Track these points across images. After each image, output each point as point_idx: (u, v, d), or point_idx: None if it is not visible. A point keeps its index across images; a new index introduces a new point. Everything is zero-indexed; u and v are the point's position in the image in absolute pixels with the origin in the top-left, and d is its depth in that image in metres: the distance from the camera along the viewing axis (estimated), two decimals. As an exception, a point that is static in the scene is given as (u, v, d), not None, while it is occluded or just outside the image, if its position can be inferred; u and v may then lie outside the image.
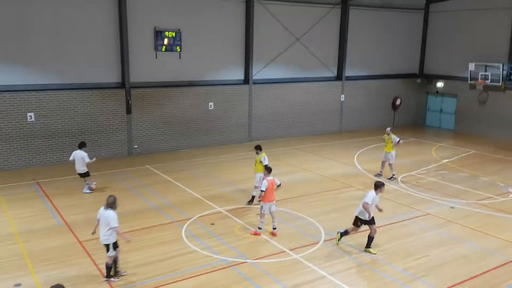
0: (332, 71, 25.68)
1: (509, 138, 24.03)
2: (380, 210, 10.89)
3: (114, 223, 8.82)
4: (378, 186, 10.56)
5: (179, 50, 20.21)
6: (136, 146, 20.05)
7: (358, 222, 10.58)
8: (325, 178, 16.63)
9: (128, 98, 19.40)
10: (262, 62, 23.03)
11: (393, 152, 16.31)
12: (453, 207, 13.67)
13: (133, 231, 11.67)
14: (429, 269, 9.77)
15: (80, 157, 14.41)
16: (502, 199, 14.44)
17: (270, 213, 11.33)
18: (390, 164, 16.39)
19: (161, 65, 20.25)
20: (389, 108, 28.01)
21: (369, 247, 10.60)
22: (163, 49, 19.86)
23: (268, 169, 11.53)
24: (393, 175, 16.43)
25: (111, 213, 8.90)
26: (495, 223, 12.45)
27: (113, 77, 19.42)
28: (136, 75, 19.74)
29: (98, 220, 9.07)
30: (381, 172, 16.78)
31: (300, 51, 24.09)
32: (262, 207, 11.24)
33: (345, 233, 10.86)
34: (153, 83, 20.26)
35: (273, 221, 11.41)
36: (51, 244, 10.82)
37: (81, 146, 14.69)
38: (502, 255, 10.43)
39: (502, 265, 9.95)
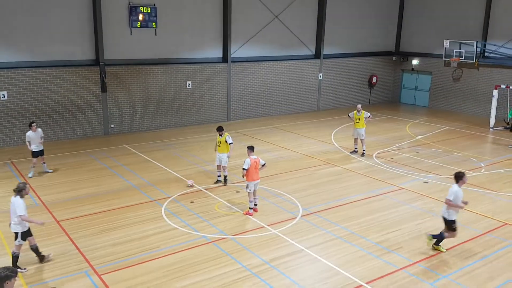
0: (310, 49, 25.68)
1: (481, 114, 24.68)
2: (465, 203, 9.30)
3: (20, 211, 8.40)
4: (459, 176, 8.94)
5: (154, 26, 19.84)
6: (112, 125, 19.80)
7: (448, 224, 9.25)
8: (303, 156, 16.84)
9: (103, 75, 19.05)
10: (240, 39, 22.85)
11: (364, 128, 16.58)
12: (426, 182, 14.08)
13: (113, 210, 11.66)
14: (402, 242, 10.11)
15: (36, 136, 13.89)
16: (475, 174, 14.93)
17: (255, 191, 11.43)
18: (362, 140, 16.70)
19: (136, 42, 19.87)
20: (366, 86, 28.32)
21: (439, 245, 9.59)
22: (138, 25, 19.46)
23: (250, 148, 11.51)
24: (364, 150, 16.77)
25: (17, 200, 8.47)
26: (468, 197, 12.78)
27: (87, 54, 18.99)
28: (111, 52, 19.35)
29: None
30: (356, 148, 17.08)
31: (279, 29, 23.97)
32: (247, 186, 11.30)
33: (439, 237, 9.48)
34: (128, 60, 19.90)
35: (254, 198, 11.53)
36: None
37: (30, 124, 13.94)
38: (474, 229, 10.85)
39: (474, 237, 10.35)
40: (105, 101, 19.38)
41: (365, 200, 12.56)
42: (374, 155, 16.90)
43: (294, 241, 10.00)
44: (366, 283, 8.40)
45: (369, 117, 16.61)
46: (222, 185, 13.52)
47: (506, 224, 11.09)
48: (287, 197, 12.66)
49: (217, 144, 13.44)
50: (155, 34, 20.05)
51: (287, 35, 24.46)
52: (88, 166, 15.24)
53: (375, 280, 8.51)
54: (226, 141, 13.30)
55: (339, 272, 8.78)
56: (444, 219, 9.38)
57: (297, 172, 14.87)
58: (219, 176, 13.72)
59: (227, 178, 13.69)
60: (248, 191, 11.27)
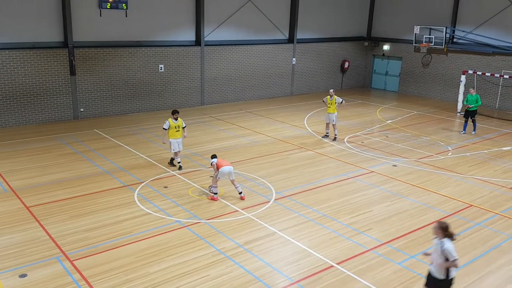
0: (284, 33, 25.65)
1: (450, 99, 25.36)
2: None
3: None
4: (446, 230, 6.71)
5: (125, 7, 19.29)
6: (82, 109, 19.37)
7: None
8: (277, 140, 16.97)
9: (72, 58, 18.53)
10: (214, 23, 22.59)
11: (336, 113, 16.79)
12: (395, 165, 14.45)
13: (84, 195, 11.50)
14: (372, 223, 10.41)
15: None
16: (442, 157, 15.41)
17: (230, 181, 11.42)
18: (333, 125, 16.93)
19: (106, 23, 19.37)
20: (338, 71, 28.58)
21: None
22: (108, 6, 18.88)
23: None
24: (336, 135, 17.03)
25: None
26: (435, 180, 13.33)
27: (55, 36, 18.40)
28: (80, 34, 18.81)
29: None
30: (327, 133, 17.32)
31: (252, 12, 23.79)
32: (217, 175, 11.21)
33: None
34: (98, 42, 19.41)
35: (235, 187, 11.47)
36: (-4, 211, 10.49)
37: None
38: (440, 210, 11.25)
39: (441, 219, 10.71)
40: (74, 84, 18.90)
41: (336, 183, 12.81)
42: (345, 139, 17.18)
43: (267, 224, 10.14)
44: (337, 263, 8.64)
45: (341, 102, 16.78)
46: (201, 168, 13.51)
47: (472, 205, 11.54)
48: (261, 181, 12.77)
49: (175, 129, 13.22)
50: (126, 16, 19.57)
51: (260, 19, 24.33)
52: (57, 151, 14.92)
53: (345, 260, 8.75)
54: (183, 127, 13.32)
55: (311, 253, 8.98)
56: (439, 281, 6.71)
57: (271, 157, 14.98)
58: (179, 162, 13.56)
59: (173, 161, 13.71)
60: (217, 177, 11.25)
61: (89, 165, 13.76)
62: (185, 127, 13.53)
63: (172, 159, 13.79)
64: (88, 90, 19.39)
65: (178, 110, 13.64)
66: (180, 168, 13.51)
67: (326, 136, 17.30)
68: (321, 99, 25.09)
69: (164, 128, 13.21)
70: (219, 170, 11.14)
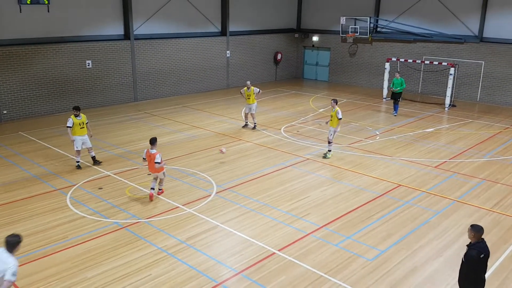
0: (216, 26, 25.52)
1: (376, 86, 26.63)
2: None
3: None
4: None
5: (46, 2, 18.21)
6: (5, 112, 18.12)
7: None
8: (215, 134, 16.94)
9: (-11, 57, 17.25)
10: (143, 15, 21.98)
11: (255, 104, 17.35)
12: (330, 151, 14.97)
13: (13, 202, 10.84)
14: (310, 208, 10.76)
15: None
16: (371, 142, 16.19)
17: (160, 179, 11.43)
18: (252, 114, 17.39)
19: (27, 19, 18.21)
20: (272, 63, 28.98)
21: None
22: (28, 1, 17.72)
23: (152, 141, 11.11)
24: (255, 124, 17.54)
25: None
26: (365, 163, 14.00)
27: (-32, 34, 17.04)
28: (-2, 32, 17.56)
29: None
30: (247, 122, 17.83)
31: (183, 5, 23.44)
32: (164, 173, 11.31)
33: None
34: (19, 40, 18.22)
35: (159, 186, 11.44)
36: None
37: None
38: (372, 191, 11.85)
39: (373, 199, 11.33)
40: (-7, 85, 17.64)
41: (275, 172, 13.07)
42: (282, 129, 17.52)
43: (209, 218, 10.15)
44: (279, 250, 8.85)
45: (258, 92, 17.28)
46: (137, 167, 13.17)
47: (400, 185, 12.26)
48: (201, 175, 12.72)
49: (79, 126, 12.83)
50: (48, 11, 18.49)
51: (192, 11, 24.02)
52: (-22, 158, 13.88)
53: (286, 246, 8.99)
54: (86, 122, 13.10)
55: (253, 243, 9.13)
56: None
57: (210, 150, 14.95)
58: (78, 162, 13.14)
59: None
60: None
61: (15, 170, 12.95)
62: (87, 123, 13.15)
63: (94, 158, 13.35)
64: (11, 91, 18.16)
65: (79, 106, 13.28)
66: (78, 167, 13.06)
67: (246, 125, 17.78)
68: (240, 91, 25.40)
69: (68, 126, 12.80)
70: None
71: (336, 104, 14.18)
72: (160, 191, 11.41)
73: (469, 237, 6.27)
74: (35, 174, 12.63)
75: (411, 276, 8.12)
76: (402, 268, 8.37)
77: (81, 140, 12.88)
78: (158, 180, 11.26)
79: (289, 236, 9.43)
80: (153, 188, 11.07)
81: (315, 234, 9.54)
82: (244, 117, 17.98)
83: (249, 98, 17.16)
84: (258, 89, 17.42)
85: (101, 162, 13.49)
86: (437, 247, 9.12)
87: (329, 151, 14.44)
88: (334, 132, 14.17)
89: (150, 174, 11.32)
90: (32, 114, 18.90)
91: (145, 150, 11.07)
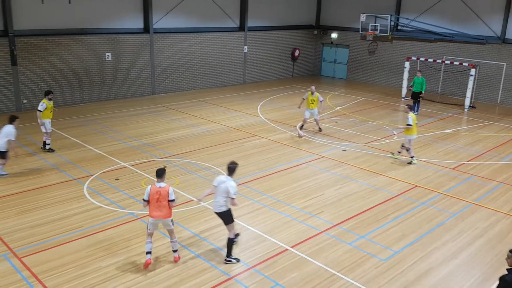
0: (235, 21, 25.52)
1: (395, 85, 26.33)
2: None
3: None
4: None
5: (68, -6, 18.53)
6: (25, 101, 18.45)
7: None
8: (231, 129, 16.97)
9: (13, 47, 17.55)
10: (162, 9, 22.10)
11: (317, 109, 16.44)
12: (345, 150, 14.89)
13: (30, 190, 11.04)
14: (324, 206, 10.71)
15: (5, 133, 11.68)
16: (388, 141, 16.04)
17: (167, 230, 8.33)
18: (316, 120, 16.66)
19: (48, 10, 18.47)
20: (289, 59, 28.87)
21: None
22: (50, -7, 18.06)
23: (158, 173, 7.97)
24: (320, 127, 16.80)
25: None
26: (382, 162, 13.87)
27: (-8, 24, 17.36)
28: (21, 22, 17.83)
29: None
30: (302, 128, 16.61)
31: (201, -1, 23.51)
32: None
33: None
34: (40, 30, 18.49)
35: (171, 241, 8.35)
36: None
37: (11, 120, 11.93)
38: (387, 191, 11.74)
39: (388, 199, 11.23)
40: (16, 75, 17.94)
41: (289, 169, 13.04)
42: (298, 126, 17.46)
43: (222, 212, 10.17)
44: (291, 247, 8.84)
45: (322, 101, 16.45)
46: (153, 159, 13.29)
47: (417, 186, 12.12)
48: (216, 170, 12.76)
49: (50, 110, 13.67)
50: (69, 2, 18.72)
51: (211, 6, 24.05)
52: None
53: (299, 243, 8.98)
54: (54, 108, 13.95)
55: (266, 238, 9.14)
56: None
57: (226, 145, 14.99)
58: (49, 144, 13.88)
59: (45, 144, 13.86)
60: (148, 230, 8.11)
61: (34, 159, 13.19)
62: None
63: (44, 143, 13.81)
64: (31, 81, 18.47)
65: (51, 90, 14.05)
66: (50, 150, 13.75)
67: (300, 135, 16.26)
68: (274, 87, 25.43)
69: (39, 110, 13.33)
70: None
71: (411, 110, 13.84)
72: (177, 256, 8.27)
73: (509, 264, 6.01)
74: (53, 164, 12.84)
75: (425, 278, 8.04)
76: (416, 269, 8.29)
77: (49, 123, 13.64)
78: (168, 233, 8.28)
79: (302, 233, 9.41)
80: (149, 252, 8.03)
81: (329, 232, 9.50)
82: (302, 123, 16.69)
83: (312, 103, 16.23)
84: (322, 98, 16.52)
85: (54, 150, 13.79)
86: (452, 249, 9.00)
87: (412, 157, 13.73)
88: (409, 140, 13.62)
89: (149, 229, 8.05)
90: (51, 104, 19.17)
91: (148, 188, 7.89)
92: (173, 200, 7.93)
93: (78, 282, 7.58)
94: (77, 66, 19.62)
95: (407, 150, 13.73)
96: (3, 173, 11.83)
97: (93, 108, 19.41)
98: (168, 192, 7.85)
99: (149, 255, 8.03)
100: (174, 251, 8.30)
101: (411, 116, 13.47)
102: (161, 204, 7.84)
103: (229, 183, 7.99)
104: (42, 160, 13.10)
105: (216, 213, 8.22)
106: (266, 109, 20.21)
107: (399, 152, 13.99)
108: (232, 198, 7.93)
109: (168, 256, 8.40)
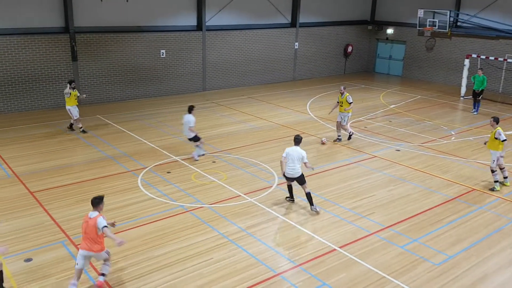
0: (286, 17, 25.41)
1: (453, 83, 25.19)
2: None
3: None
4: None
5: (126, -7, 19.18)
6: (85, 95, 19.29)
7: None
8: (279, 126, 16.93)
9: (73, 43, 18.45)
10: (215, 7, 22.38)
11: (349, 114, 14.73)
12: (398, 150, 14.42)
13: (88, 180, 11.56)
14: (375, 207, 10.43)
15: (186, 121, 12.89)
16: (445, 142, 15.37)
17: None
18: (342, 126, 14.88)
19: (107, 8, 19.23)
20: (341, 56, 28.36)
21: None
22: (109, -8, 18.78)
23: (93, 202, 7.27)
24: (350, 133, 15.24)
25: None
26: (438, 164, 13.31)
27: (56, 21, 18.29)
28: (81, 19, 18.70)
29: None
30: (339, 136, 15.18)
31: (253, -4, 23.58)
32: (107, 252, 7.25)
33: None
34: (99, 27, 19.30)
35: (103, 264, 7.31)
36: (1, 196, 10.55)
37: (190, 109, 13.02)
38: (443, 194, 11.25)
39: (443, 203, 10.76)
40: (76, 70, 18.85)
41: (339, 168, 12.81)
42: (348, 125, 17.08)
43: (269, 209, 10.18)
44: (340, 247, 8.69)
45: (351, 103, 14.46)
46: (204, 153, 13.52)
47: (474, 189, 11.54)
48: (263, 166, 12.78)
49: (75, 97, 15.12)
50: (127, 1, 19.40)
51: (262, 3, 24.08)
52: (60, 137, 14.95)
53: (348, 244, 8.80)
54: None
55: (313, 237, 9.03)
56: None
57: (273, 142, 14.97)
58: (81, 127, 15.48)
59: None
60: (76, 265, 7.16)
61: (92, 150, 13.80)
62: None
63: (71, 124, 15.46)
64: (90, 76, 19.34)
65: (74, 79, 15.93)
66: (83, 131, 15.37)
67: (339, 139, 15.05)
68: (324, 84, 25.09)
69: (66, 94, 15.01)
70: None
71: (497, 123, 11.38)
72: (102, 280, 7.18)
73: None
74: (110, 155, 13.38)
75: (480, 284, 7.64)
76: (470, 275, 7.89)
77: (75, 109, 15.16)
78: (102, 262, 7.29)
79: (351, 233, 9.22)
80: (103, 274, 7.23)
81: (379, 234, 9.25)
82: (336, 128, 15.17)
83: (341, 106, 14.48)
84: (351, 100, 14.49)
85: (86, 131, 15.38)
86: (510, 256, 8.51)
87: (496, 181, 11.45)
88: (498, 158, 11.34)
89: (77, 264, 7.05)
90: (108, 99, 20.00)
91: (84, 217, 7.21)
92: (105, 227, 6.84)
93: (131, 270, 7.84)
94: (133, 62, 20.31)
95: (492, 172, 11.48)
96: (203, 152, 13.34)
97: (147, 103, 20.03)
98: (96, 223, 6.86)
99: (102, 277, 7.15)
100: (102, 274, 7.19)
101: (501, 130, 11.25)
102: (88, 236, 6.93)
103: (300, 150, 9.80)
104: (99, 152, 13.67)
105: (293, 178, 9.87)
106: (315, 107, 19.98)
107: (496, 182, 11.55)
108: (305, 162, 9.77)
109: (218, 249, 8.50)
